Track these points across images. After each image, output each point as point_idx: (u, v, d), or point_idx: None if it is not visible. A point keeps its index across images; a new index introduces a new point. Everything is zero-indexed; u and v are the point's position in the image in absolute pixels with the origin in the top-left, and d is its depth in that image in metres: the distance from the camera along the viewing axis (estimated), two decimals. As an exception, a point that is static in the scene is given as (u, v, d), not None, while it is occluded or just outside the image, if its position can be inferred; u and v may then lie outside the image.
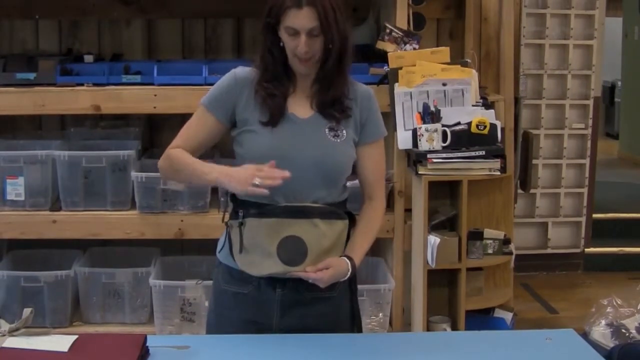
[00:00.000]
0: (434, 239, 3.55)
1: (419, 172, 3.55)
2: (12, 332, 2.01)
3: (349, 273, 2.28)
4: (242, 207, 2.28)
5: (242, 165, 2.21)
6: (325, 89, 2.31)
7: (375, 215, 2.41)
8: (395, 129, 3.63)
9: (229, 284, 2.35)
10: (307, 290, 2.28)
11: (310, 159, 2.27)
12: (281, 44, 2.26)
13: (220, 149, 4.03)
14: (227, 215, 2.35)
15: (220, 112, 2.32)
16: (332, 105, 2.31)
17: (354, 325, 2.42)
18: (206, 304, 3.78)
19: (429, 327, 3.65)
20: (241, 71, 2.35)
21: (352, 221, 2.36)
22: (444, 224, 3.68)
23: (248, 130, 2.30)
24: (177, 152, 2.32)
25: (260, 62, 2.32)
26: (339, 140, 2.31)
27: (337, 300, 2.35)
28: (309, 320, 2.32)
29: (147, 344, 2.03)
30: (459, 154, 3.51)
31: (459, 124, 3.54)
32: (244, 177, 2.14)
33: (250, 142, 2.29)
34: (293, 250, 2.22)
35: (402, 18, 3.75)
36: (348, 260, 2.28)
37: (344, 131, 2.32)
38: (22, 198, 3.79)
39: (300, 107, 2.32)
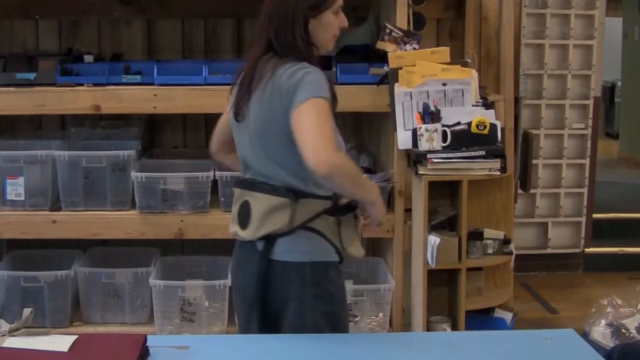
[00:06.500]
0: (434, 239, 3.55)
1: (419, 172, 3.55)
2: (12, 332, 2.01)
3: None
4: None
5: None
6: None
7: None
8: (395, 129, 3.63)
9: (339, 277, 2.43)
10: None
11: None
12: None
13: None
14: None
15: None
16: None
17: None
18: (206, 303, 3.79)
19: (429, 327, 3.65)
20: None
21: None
22: (444, 224, 3.68)
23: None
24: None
25: (311, 57, 2.33)
26: None
27: None
28: None
29: (147, 344, 2.03)
30: (459, 154, 3.51)
31: (459, 124, 3.54)
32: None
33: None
34: None
35: (402, 18, 3.76)
36: None
37: None
38: (22, 198, 3.79)
39: None
